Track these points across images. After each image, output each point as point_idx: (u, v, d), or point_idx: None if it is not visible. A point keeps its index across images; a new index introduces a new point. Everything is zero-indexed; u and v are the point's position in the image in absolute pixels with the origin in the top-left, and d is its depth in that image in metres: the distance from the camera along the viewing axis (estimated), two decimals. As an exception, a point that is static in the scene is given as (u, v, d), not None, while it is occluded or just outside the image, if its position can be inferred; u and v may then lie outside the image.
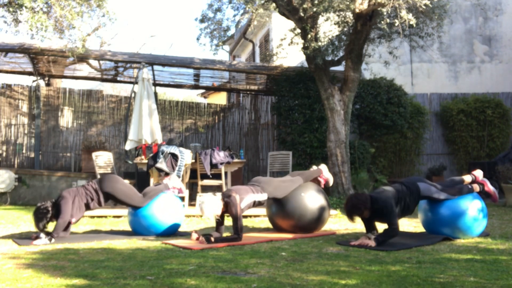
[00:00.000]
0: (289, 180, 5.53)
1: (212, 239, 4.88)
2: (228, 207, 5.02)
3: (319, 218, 5.48)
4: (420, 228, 5.72)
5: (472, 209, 4.94)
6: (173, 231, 5.55)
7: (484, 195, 5.31)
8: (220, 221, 5.19)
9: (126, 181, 5.69)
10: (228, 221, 5.20)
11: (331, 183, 5.97)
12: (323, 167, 5.91)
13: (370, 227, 4.90)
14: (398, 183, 5.04)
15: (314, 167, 5.96)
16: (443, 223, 5.00)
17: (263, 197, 5.25)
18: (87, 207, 5.41)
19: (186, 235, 5.49)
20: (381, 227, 4.89)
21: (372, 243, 4.62)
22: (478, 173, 5.32)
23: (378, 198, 4.72)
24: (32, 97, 11.15)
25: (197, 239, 5.01)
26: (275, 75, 10.65)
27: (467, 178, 5.27)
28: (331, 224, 6.34)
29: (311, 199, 5.43)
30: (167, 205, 5.51)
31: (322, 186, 5.89)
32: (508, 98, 11.96)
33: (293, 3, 8.18)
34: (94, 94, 11.89)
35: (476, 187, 5.16)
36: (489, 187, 5.26)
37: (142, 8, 55.28)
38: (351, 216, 4.78)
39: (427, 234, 5.25)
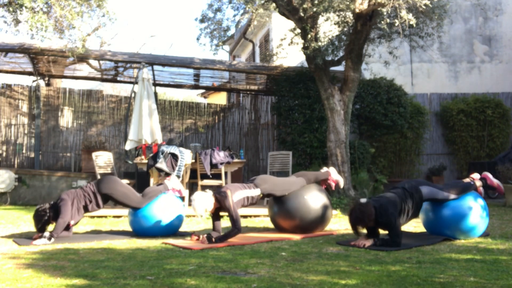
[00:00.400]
0: (290, 180, 5.53)
1: (213, 239, 4.89)
2: (220, 202, 5.04)
3: (321, 219, 5.47)
4: (420, 228, 5.71)
5: (474, 210, 4.91)
6: (173, 232, 5.55)
7: (488, 189, 5.27)
8: (215, 217, 5.24)
9: (125, 181, 5.69)
10: (226, 221, 5.20)
11: (341, 185, 5.89)
12: (331, 169, 5.86)
13: (372, 234, 4.87)
14: (400, 188, 4.95)
15: (324, 169, 5.91)
16: (444, 225, 4.98)
17: (255, 192, 5.24)
18: (86, 209, 5.42)
19: (186, 235, 5.49)
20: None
21: (368, 242, 4.62)
22: (476, 176, 5.30)
23: (383, 212, 4.62)
24: (32, 97, 11.15)
25: (197, 239, 5.02)
26: (275, 75, 10.65)
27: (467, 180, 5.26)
28: (331, 224, 6.34)
29: (314, 199, 5.42)
30: (167, 206, 5.51)
31: (333, 188, 5.84)
32: (508, 98, 11.96)
33: (293, 3, 8.18)
34: (94, 94, 11.89)
35: (479, 182, 5.14)
36: (492, 180, 5.22)
37: (142, 8, 55.32)
38: (355, 228, 4.73)
39: (427, 234, 5.24)
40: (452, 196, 4.93)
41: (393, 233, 4.62)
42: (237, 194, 5.11)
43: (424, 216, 5.23)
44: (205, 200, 5.02)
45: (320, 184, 5.77)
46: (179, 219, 5.59)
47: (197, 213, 5.03)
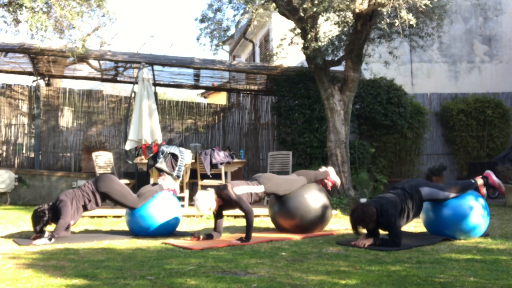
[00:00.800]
0: (292, 179, 5.53)
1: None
2: (222, 196, 5.05)
3: (321, 218, 5.48)
4: (420, 228, 5.72)
5: (475, 210, 4.89)
6: (171, 231, 5.55)
7: (489, 188, 5.26)
8: (218, 216, 5.25)
9: (125, 181, 5.69)
10: (227, 221, 5.20)
11: (338, 185, 5.93)
12: (330, 169, 5.88)
13: (373, 234, 4.86)
14: (400, 188, 4.94)
15: (323, 168, 5.92)
16: (445, 225, 4.96)
17: (259, 189, 5.25)
18: (85, 208, 5.43)
19: (186, 235, 5.49)
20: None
21: (368, 242, 4.61)
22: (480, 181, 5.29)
23: (383, 212, 4.63)
24: (32, 97, 11.15)
25: (197, 240, 5.03)
26: (275, 75, 10.65)
27: None
28: (331, 224, 6.34)
29: (314, 199, 5.43)
30: (164, 205, 5.51)
31: (329, 188, 5.86)
32: (508, 98, 11.96)
33: (293, 3, 8.18)
34: (94, 94, 11.89)
35: (480, 181, 5.13)
36: (494, 179, 5.19)
37: (142, 8, 55.31)
38: (355, 228, 4.74)
39: (427, 234, 5.23)
40: (453, 194, 4.93)
41: (393, 234, 4.61)
42: (239, 188, 5.12)
43: (424, 216, 5.22)
44: (208, 199, 5.03)
45: (318, 183, 5.78)
46: (176, 219, 5.59)
47: (201, 212, 5.04)
